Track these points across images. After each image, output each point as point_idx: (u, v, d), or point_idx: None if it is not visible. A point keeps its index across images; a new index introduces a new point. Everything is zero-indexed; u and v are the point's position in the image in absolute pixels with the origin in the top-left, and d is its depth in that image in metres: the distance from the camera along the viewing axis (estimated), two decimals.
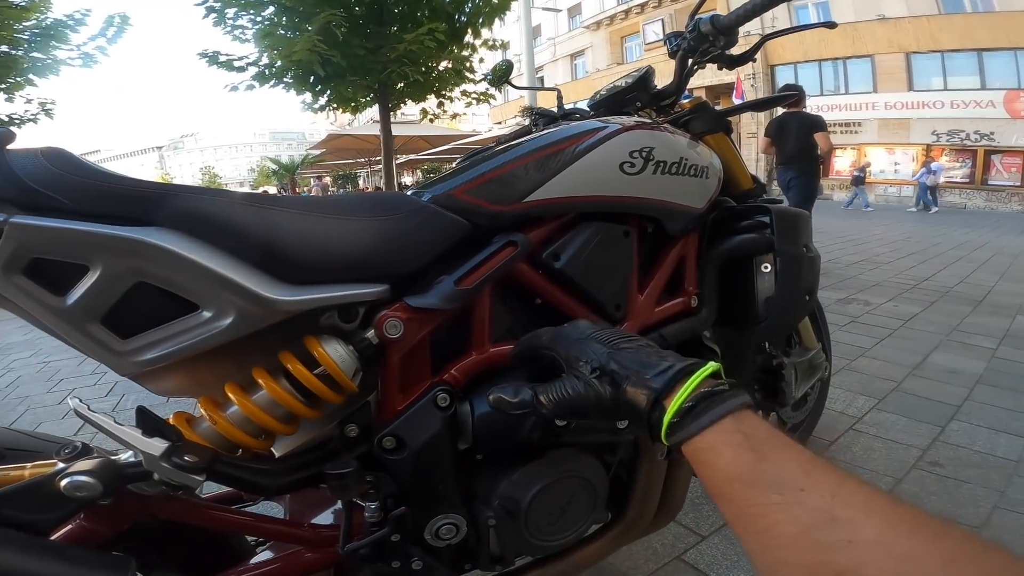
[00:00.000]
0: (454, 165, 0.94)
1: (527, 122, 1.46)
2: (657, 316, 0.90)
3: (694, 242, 0.97)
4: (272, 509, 0.88)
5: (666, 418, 0.42)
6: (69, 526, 0.59)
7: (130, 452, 0.61)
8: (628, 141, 0.82)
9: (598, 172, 0.79)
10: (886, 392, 2.11)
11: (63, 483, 0.53)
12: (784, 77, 15.59)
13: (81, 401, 0.55)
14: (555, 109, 1.43)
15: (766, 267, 0.98)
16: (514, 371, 0.71)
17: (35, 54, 5.55)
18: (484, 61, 6.93)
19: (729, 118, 1.09)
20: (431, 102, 7.10)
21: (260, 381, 0.60)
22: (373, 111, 7.88)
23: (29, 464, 0.63)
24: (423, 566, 0.72)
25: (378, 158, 12.88)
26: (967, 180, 12.03)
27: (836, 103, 14.98)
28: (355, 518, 0.70)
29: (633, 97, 1.11)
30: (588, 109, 1.26)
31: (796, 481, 0.34)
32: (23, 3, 5.25)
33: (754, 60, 1.03)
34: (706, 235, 1.00)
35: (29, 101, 5.99)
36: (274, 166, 21.10)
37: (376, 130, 9.11)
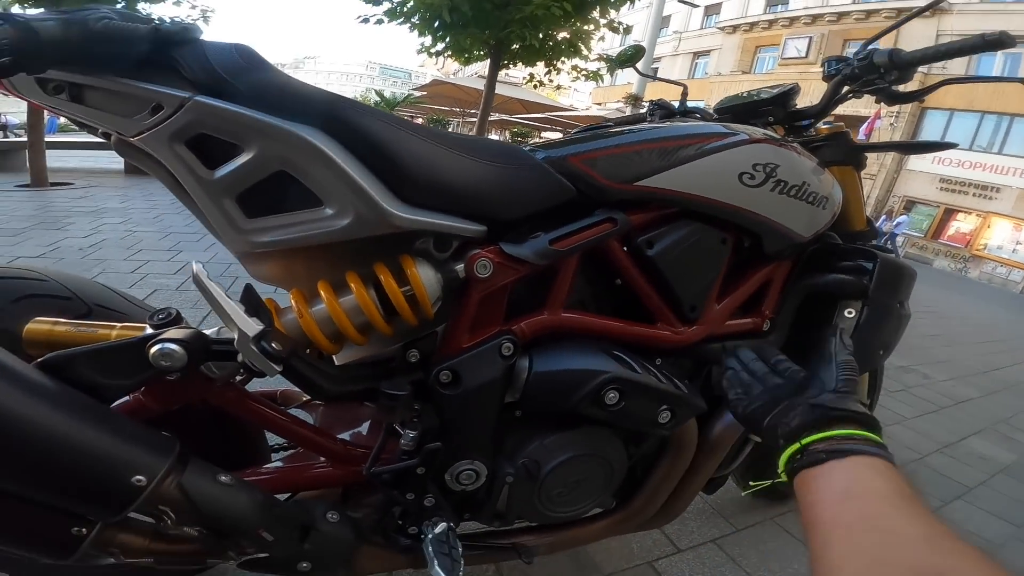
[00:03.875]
0: (571, 134, 0.94)
1: (628, 109, 1.43)
2: (727, 328, 0.89)
3: (785, 268, 0.94)
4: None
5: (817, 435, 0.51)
6: (126, 397, 0.59)
7: (216, 329, 0.64)
8: (754, 153, 0.80)
9: (717, 175, 0.78)
10: (906, 461, 2.07)
11: (153, 349, 0.54)
12: (933, 122, 13.80)
13: (203, 267, 0.58)
14: (676, 104, 1.39)
15: (850, 312, 0.94)
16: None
17: None
18: (604, 40, 6.73)
19: (863, 154, 1.04)
20: (540, 68, 7.00)
21: (352, 285, 0.63)
22: (480, 65, 7.86)
23: (118, 324, 0.65)
24: (432, 504, 0.75)
25: (473, 111, 12.88)
26: None
27: (979, 161, 13.16)
28: (388, 444, 0.73)
29: (768, 111, 1.07)
30: (711, 111, 1.23)
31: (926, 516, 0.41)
32: None
33: (922, 100, 0.97)
34: (800, 264, 0.96)
35: (194, 7, 6.06)
36: (376, 98, 21.63)
37: (479, 84, 9.08)
